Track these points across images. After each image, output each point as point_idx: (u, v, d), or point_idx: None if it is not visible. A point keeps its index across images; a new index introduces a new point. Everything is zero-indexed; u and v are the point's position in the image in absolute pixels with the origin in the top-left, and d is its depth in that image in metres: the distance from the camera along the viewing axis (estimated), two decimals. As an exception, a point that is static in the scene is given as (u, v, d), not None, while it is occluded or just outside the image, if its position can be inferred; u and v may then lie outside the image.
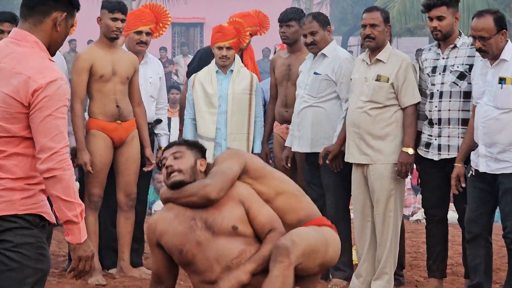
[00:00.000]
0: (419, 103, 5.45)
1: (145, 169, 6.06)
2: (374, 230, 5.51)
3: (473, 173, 4.97)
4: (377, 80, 5.36)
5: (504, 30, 4.89)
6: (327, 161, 5.56)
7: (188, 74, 6.89)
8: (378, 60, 5.36)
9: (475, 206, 4.94)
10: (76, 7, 2.85)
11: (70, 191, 2.61)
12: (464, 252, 5.45)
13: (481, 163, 4.87)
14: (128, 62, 5.86)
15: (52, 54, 2.80)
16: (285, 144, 6.10)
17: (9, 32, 5.37)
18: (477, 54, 5.11)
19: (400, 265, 5.80)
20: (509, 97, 4.80)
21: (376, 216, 5.43)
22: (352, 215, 6.16)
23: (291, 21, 5.93)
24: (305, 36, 5.71)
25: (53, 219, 2.85)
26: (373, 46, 5.37)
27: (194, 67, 6.79)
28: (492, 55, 4.87)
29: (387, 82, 5.35)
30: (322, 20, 5.71)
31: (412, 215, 9.47)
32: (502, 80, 4.78)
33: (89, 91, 5.83)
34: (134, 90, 5.94)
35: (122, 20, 5.76)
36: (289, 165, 5.98)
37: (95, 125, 5.75)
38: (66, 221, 2.61)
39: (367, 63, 5.44)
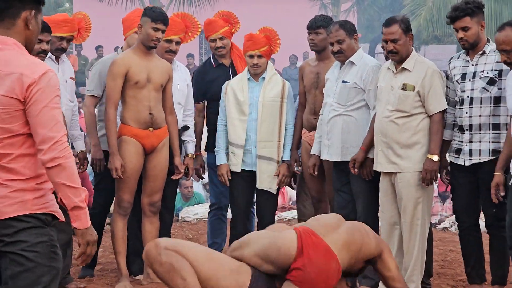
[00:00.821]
0: (445, 110, 5.44)
1: (173, 177, 6.04)
2: (401, 238, 5.52)
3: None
4: (402, 89, 5.31)
5: None
6: (355, 169, 5.54)
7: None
8: (404, 69, 5.36)
9: None
10: (42, 1, 2.92)
11: (75, 178, 2.71)
12: (493, 259, 5.38)
13: None
14: (163, 70, 5.86)
15: (29, 51, 2.84)
16: (311, 152, 6.04)
17: (48, 42, 5.24)
18: None
19: (428, 273, 5.77)
20: None
21: (403, 224, 5.43)
22: (380, 223, 6.49)
23: (320, 28, 5.91)
24: (332, 44, 5.70)
25: (62, 217, 2.90)
26: (398, 59, 5.36)
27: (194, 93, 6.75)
28: None
29: (413, 90, 5.32)
30: (348, 28, 5.68)
31: (439, 223, 9.65)
32: None
33: (123, 97, 5.79)
34: (167, 98, 5.94)
35: (163, 31, 5.74)
36: (316, 172, 5.96)
37: (127, 132, 5.74)
38: (74, 207, 2.68)
39: (392, 72, 5.43)
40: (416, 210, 5.37)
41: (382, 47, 5.75)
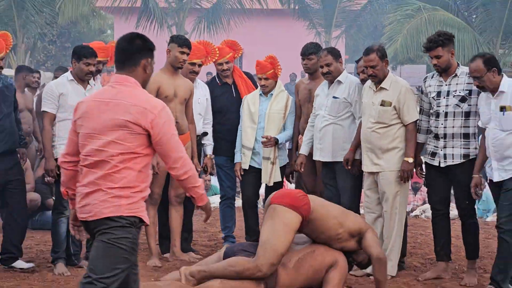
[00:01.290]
0: (417, 120, 5.62)
1: None
2: (383, 224, 5.64)
3: (488, 182, 5.32)
4: (381, 105, 5.46)
5: (495, 68, 4.91)
6: (348, 167, 5.62)
7: None
8: (382, 88, 5.46)
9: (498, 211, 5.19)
10: (154, 49, 3.16)
11: (197, 178, 3.10)
12: (466, 240, 5.43)
13: (495, 175, 4.99)
14: (186, 87, 5.95)
15: (144, 88, 3.19)
16: (300, 152, 6.10)
17: (94, 65, 5.45)
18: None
19: (402, 253, 5.84)
20: (510, 120, 5.08)
21: (384, 213, 5.55)
22: (362, 211, 6.28)
23: (311, 55, 6.00)
24: (321, 67, 5.80)
25: (148, 221, 3.15)
26: (376, 81, 5.50)
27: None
28: (490, 89, 4.98)
29: (390, 106, 5.44)
30: (335, 53, 5.80)
31: (411, 211, 9.51)
32: (503, 109, 4.90)
33: None
34: (189, 110, 6.05)
35: (187, 54, 5.84)
36: (302, 169, 6.02)
37: None
38: (200, 195, 3.04)
39: (373, 90, 5.54)
40: (395, 201, 5.45)
41: (362, 71, 5.80)
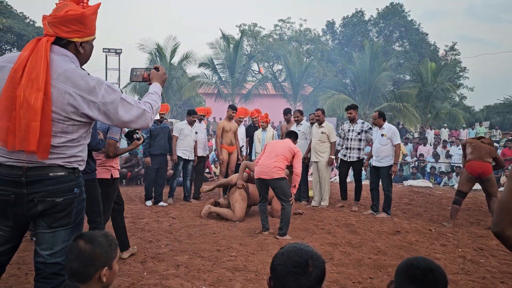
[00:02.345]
0: (335, 140, 6.28)
1: (238, 162, 7.02)
2: (320, 183, 6.42)
3: (371, 166, 5.84)
4: (322, 133, 6.35)
5: (382, 117, 5.76)
6: (305, 161, 6.52)
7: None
8: (322, 126, 6.33)
9: (372, 177, 5.90)
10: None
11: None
12: (356, 191, 6.43)
13: (373, 162, 5.83)
14: (234, 126, 6.90)
15: None
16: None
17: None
18: (365, 125, 6.16)
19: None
20: (384, 140, 5.68)
21: (320, 178, 6.36)
22: (308, 179, 7.15)
23: (287, 113, 7.07)
24: (295, 117, 6.78)
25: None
26: (319, 123, 6.36)
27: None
28: (378, 125, 5.79)
29: (325, 134, 6.33)
30: (301, 112, 6.85)
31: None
32: (382, 135, 5.77)
33: (222, 135, 6.86)
34: (236, 136, 6.96)
35: (235, 113, 6.83)
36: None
37: (223, 147, 6.84)
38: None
39: (317, 127, 6.38)
40: (325, 174, 6.40)
41: (312, 118, 6.60)
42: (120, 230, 3.58)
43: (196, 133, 6.78)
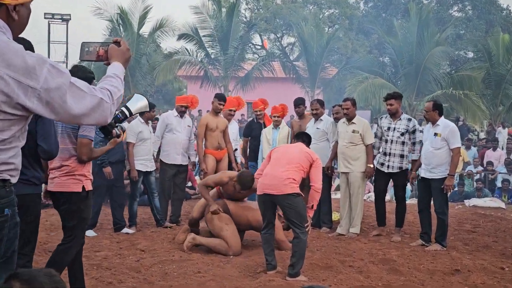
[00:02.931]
0: (372, 142, 6.36)
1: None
2: (350, 204, 6.59)
3: (419, 178, 6.00)
4: (353, 132, 6.46)
5: (437, 110, 5.84)
6: (328, 171, 6.65)
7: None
8: (353, 123, 6.42)
9: (421, 194, 6.09)
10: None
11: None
12: (396, 214, 6.55)
13: (422, 172, 5.93)
14: (223, 123, 7.10)
15: None
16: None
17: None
18: (412, 124, 6.29)
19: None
20: (438, 142, 5.78)
21: (352, 196, 6.50)
22: (332, 196, 7.30)
23: (300, 105, 7.27)
24: (312, 109, 6.90)
25: None
26: (348, 118, 6.47)
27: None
28: (431, 121, 5.90)
29: (358, 133, 6.45)
30: (321, 103, 6.95)
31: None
32: (435, 134, 5.86)
33: (205, 136, 7.02)
34: (225, 135, 7.15)
35: (223, 104, 7.01)
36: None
37: (208, 151, 7.07)
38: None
39: (346, 124, 6.47)
40: (359, 190, 6.52)
41: (336, 113, 6.82)
42: (76, 271, 3.61)
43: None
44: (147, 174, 6.77)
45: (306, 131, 6.85)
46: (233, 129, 7.66)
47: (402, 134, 6.33)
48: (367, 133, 6.48)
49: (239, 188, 5.30)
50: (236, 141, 7.73)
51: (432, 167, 5.90)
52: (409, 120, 6.32)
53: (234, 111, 7.53)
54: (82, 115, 1.86)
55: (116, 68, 2.05)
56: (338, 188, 9.56)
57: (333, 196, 7.40)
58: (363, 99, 21.63)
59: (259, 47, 31.41)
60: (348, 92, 22.18)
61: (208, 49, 24.29)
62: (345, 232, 6.55)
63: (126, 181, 7.70)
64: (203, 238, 5.48)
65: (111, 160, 6.31)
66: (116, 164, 6.47)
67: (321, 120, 6.94)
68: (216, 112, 7.06)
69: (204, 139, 7.01)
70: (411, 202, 9.34)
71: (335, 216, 7.44)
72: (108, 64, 2.08)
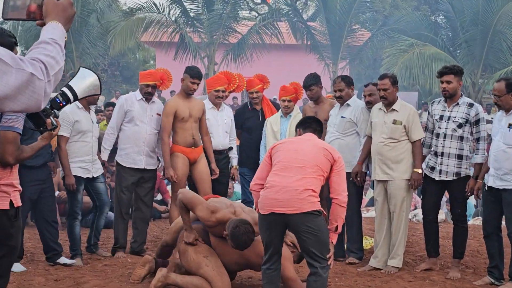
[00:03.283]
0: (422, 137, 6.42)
1: (212, 177, 7.31)
2: (389, 225, 6.62)
3: (486, 188, 6.12)
4: (393, 123, 6.51)
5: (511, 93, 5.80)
6: (358, 179, 6.86)
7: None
8: (393, 110, 6.48)
9: (487, 211, 6.24)
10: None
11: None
12: (455, 241, 6.77)
13: (490, 180, 6.04)
14: (199, 108, 7.13)
15: None
16: None
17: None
18: (472, 111, 6.42)
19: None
20: None
21: (393, 214, 6.54)
22: (364, 215, 7.33)
23: (311, 86, 7.31)
24: (335, 91, 6.99)
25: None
26: (386, 103, 6.49)
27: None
28: (504, 108, 5.98)
29: (401, 125, 6.51)
30: (347, 81, 7.01)
31: None
32: (510, 126, 5.94)
33: (174, 128, 7.07)
34: (202, 125, 7.19)
35: (198, 84, 7.01)
36: None
37: (177, 149, 7.10)
38: None
39: (384, 111, 6.52)
40: (403, 205, 6.54)
41: (369, 95, 7.05)
42: None
43: (98, 122, 6.98)
44: (91, 181, 6.83)
45: (329, 122, 6.94)
46: (225, 117, 7.74)
47: (460, 126, 6.45)
48: (414, 124, 6.57)
49: (232, 245, 5.32)
50: (232, 136, 7.81)
51: (504, 173, 6.00)
52: (471, 106, 6.44)
53: (224, 91, 7.59)
54: (5, 97, 1.92)
55: (53, 31, 2.11)
56: (371, 203, 9.43)
57: (364, 214, 7.54)
58: (407, 75, 22.28)
59: (258, 1, 32.31)
60: (386, 66, 22.80)
61: (185, 3, 24.77)
62: (381, 266, 6.70)
63: (63, 193, 7.79)
64: (179, 277, 5.55)
65: (34, 164, 6.34)
66: (41, 168, 6.51)
67: (348, 105, 7.03)
68: (187, 93, 7.13)
69: (171, 133, 7.07)
70: (475, 222, 9.58)
71: (367, 243, 7.60)
72: (43, 24, 2.14)
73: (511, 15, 21.90)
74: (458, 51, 24.56)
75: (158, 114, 7.21)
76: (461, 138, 6.50)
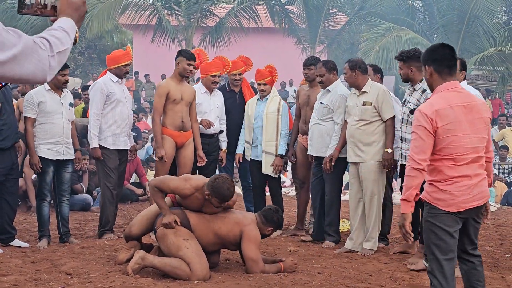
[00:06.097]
0: (394, 116, 6.52)
1: (198, 164, 7.43)
2: (364, 208, 6.66)
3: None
4: (363, 105, 6.55)
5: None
6: (332, 163, 6.89)
7: None
8: (364, 92, 6.56)
9: None
10: None
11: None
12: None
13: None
14: (190, 92, 7.23)
15: None
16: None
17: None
18: (423, 97, 6.39)
19: (388, 231, 7.11)
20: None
21: (364, 197, 6.59)
22: (342, 197, 7.49)
23: (311, 65, 7.37)
24: (316, 76, 7.05)
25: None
26: (355, 86, 6.74)
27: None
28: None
29: (371, 105, 6.54)
30: (328, 66, 7.07)
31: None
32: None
33: (165, 109, 7.16)
34: (192, 110, 7.29)
35: (194, 66, 7.16)
36: (293, 160, 7.67)
37: (166, 132, 7.17)
38: None
39: (356, 94, 6.63)
40: (373, 188, 6.56)
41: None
42: None
43: (72, 105, 7.17)
44: (60, 166, 6.90)
45: (314, 108, 7.10)
46: (218, 102, 7.86)
47: (412, 112, 6.30)
48: (384, 103, 6.59)
49: (217, 202, 5.44)
50: (222, 120, 7.92)
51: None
52: (423, 92, 6.38)
53: (219, 76, 7.73)
54: (12, 58, 1.99)
55: (64, 22, 2.22)
56: (348, 187, 9.73)
57: (342, 197, 7.57)
58: (384, 60, 22.38)
59: None
60: (363, 50, 23.10)
61: (163, -15, 22.78)
62: (357, 248, 6.75)
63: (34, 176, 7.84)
64: (156, 258, 5.57)
65: (1, 147, 6.46)
66: (9, 150, 6.66)
67: (328, 91, 7.08)
68: (182, 76, 7.25)
69: (163, 114, 7.28)
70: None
71: (344, 225, 7.68)
72: (55, 20, 2.24)
73: (487, 0, 22.14)
74: (435, 35, 24.78)
75: (129, 95, 7.37)
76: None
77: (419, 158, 3.91)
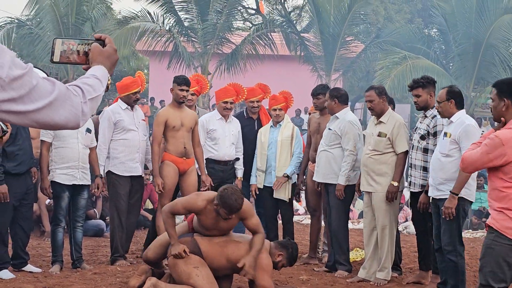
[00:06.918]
0: (407, 151, 6.50)
1: (201, 189, 7.29)
2: (377, 236, 6.69)
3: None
4: (378, 135, 6.55)
5: (452, 100, 5.90)
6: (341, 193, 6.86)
7: None
8: (381, 121, 6.53)
9: (436, 224, 6.17)
10: None
11: None
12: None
13: (430, 190, 6.20)
14: (191, 118, 7.22)
15: None
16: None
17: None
18: (432, 123, 6.49)
19: (400, 260, 7.08)
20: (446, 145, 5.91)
21: (377, 227, 6.61)
22: (350, 226, 7.47)
23: (319, 95, 7.40)
24: (366, 101, 7.01)
25: None
26: (374, 114, 6.60)
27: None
28: (444, 116, 6.08)
29: (385, 137, 6.54)
30: (334, 95, 7.15)
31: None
32: (445, 134, 6.06)
33: (166, 137, 7.18)
34: (195, 135, 7.28)
35: (187, 90, 7.11)
36: (302, 188, 7.80)
37: (168, 158, 7.20)
38: None
39: (374, 122, 6.61)
40: (385, 218, 6.57)
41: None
42: None
43: (90, 131, 7.07)
44: (76, 191, 6.86)
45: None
46: (233, 129, 7.84)
47: (423, 138, 6.43)
48: (398, 136, 6.59)
49: (224, 213, 5.43)
50: (238, 147, 7.91)
51: (439, 183, 5.98)
52: (433, 118, 6.39)
53: (232, 102, 7.71)
54: (48, 104, 2.01)
55: (96, 70, 2.24)
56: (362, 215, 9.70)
57: (355, 226, 7.66)
58: (400, 88, 22.37)
59: (252, 11, 32.19)
60: (379, 78, 23.06)
61: (180, 13, 24.87)
62: (370, 277, 6.72)
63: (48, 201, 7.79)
64: (168, 286, 5.58)
65: (17, 171, 6.50)
66: (24, 175, 6.66)
67: (336, 118, 7.10)
68: (179, 102, 7.21)
69: (164, 143, 7.26)
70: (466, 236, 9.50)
71: (358, 254, 7.64)
72: (88, 68, 2.27)
73: (503, 29, 22.01)
74: (451, 64, 24.84)
75: (143, 119, 7.45)
76: (425, 150, 6.51)
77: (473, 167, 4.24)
